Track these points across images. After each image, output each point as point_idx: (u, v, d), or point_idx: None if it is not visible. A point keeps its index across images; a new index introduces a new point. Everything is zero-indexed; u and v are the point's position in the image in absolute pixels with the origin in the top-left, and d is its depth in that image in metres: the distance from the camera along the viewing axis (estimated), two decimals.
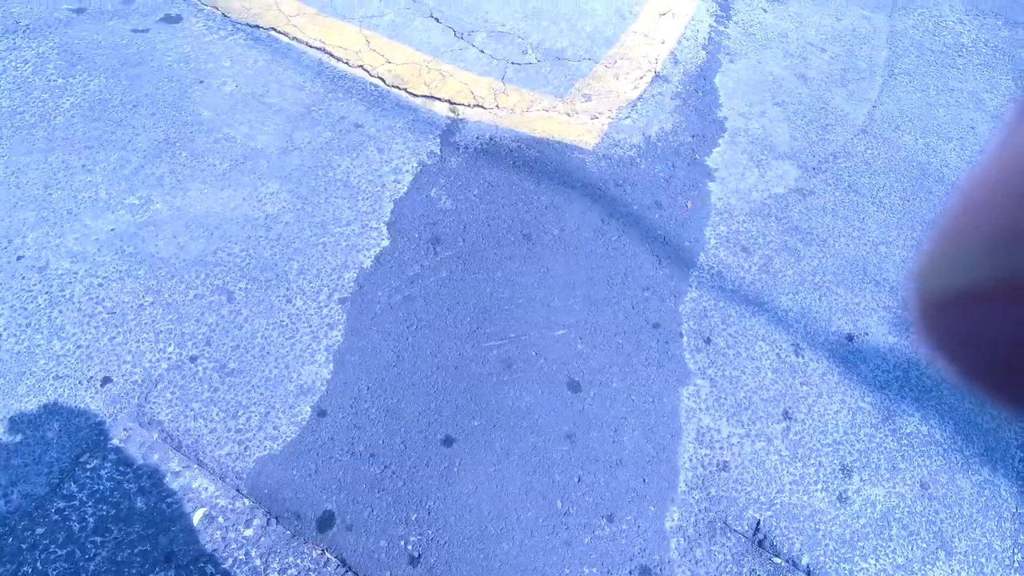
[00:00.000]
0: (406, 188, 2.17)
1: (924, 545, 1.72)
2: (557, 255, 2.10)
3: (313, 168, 2.15)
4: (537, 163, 2.34)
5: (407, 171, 2.22)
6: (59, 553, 1.28)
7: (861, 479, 1.81)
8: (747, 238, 2.31)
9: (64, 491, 1.36)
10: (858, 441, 1.89)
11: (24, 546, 1.28)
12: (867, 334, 2.14)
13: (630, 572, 1.50)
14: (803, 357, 2.04)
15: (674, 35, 3.03)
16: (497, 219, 2.15)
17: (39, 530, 1.30)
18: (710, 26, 3.13)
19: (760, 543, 1.63)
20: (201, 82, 2.30)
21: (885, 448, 1.89)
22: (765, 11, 3.26)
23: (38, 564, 1.26)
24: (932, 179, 2.64)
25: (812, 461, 1.81)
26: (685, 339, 2.00)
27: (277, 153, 2.16)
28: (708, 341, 2.01)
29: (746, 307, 2.12)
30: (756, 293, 2.17)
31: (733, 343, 2.02)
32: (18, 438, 1.41)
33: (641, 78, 2.77)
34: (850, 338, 2.12)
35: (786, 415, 1.90)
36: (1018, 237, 0.12)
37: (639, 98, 2.69)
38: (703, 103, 2.75)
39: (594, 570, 1.49)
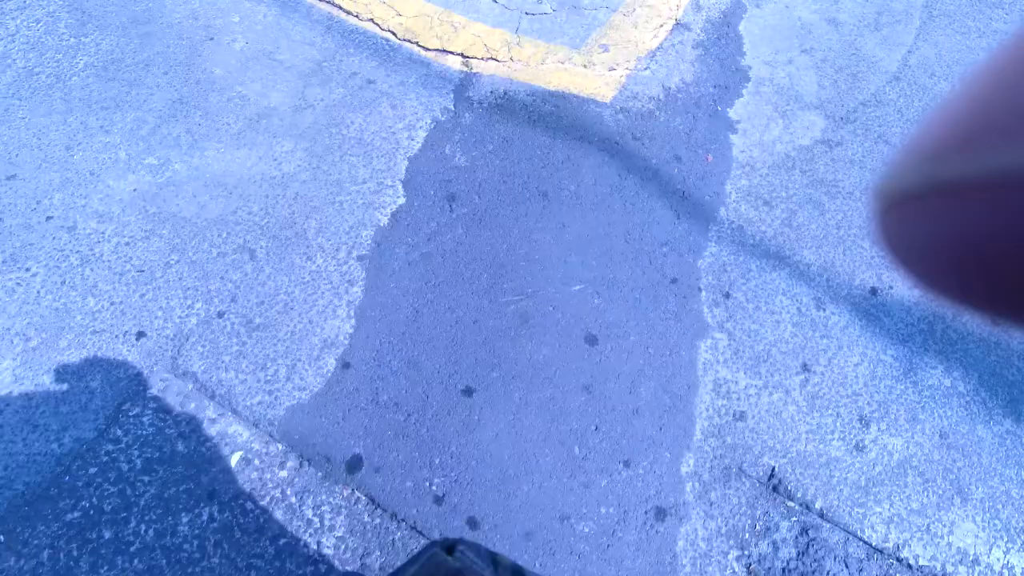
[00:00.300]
0: (420, 145, 2.29)
1: (940, 492, 1.86)
2: (574, 211, 2.22)
3: (327, 126, 2.28)
4: (553, 117, 2.45)
5: (421, 128, 2.34)
6: (112, 490, 1.47)
7: (879, 429, 1.95)
8: (769, 191, 2.41)
9: (111, 435, 1.55)
10: (878, 393, 2.01)
11: (80, 484, 1.48)
12: (892, 288, 2.25)
13: (646, 512, 1.67)
14: (824, 311, 2.16)
15: None
16: (513, 176, 2.27)
17: (92, 470, 1.50)
18: None
19: (775, 488, 1.78)
20: (211, 39, 2.43)
21: (905, 399, 2.01)
22: None
23: (94, 499, 1.46)
24: None
25: (830, 412, 1.95)
26: (703, 294, 2.12)
27: (290, 111, 2.29)
28: (727, 296, 2.13)
29: (767, 261, 2.24)
30: (778, 247, 2.28)
31: (752, 297, 2.15)
32: (64, 387, 1.59)
33: (661, 26, 2.83)
34: (874, 292, 2.23)
35: (805, 367, 2.03)
36: (990, 135, 0.12)
37: (659, 48, 2.76)
38: (726, 52, 2.81)
39: (611, 510, 1.66)
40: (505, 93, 2.50)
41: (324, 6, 2.63)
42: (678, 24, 2.87)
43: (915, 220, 0.15)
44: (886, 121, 2.68)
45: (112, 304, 1.76)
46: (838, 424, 1.93)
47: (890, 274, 2.28)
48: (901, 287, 2.26)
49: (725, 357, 2.00)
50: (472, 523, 1.57)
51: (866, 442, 1.92)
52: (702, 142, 2.50)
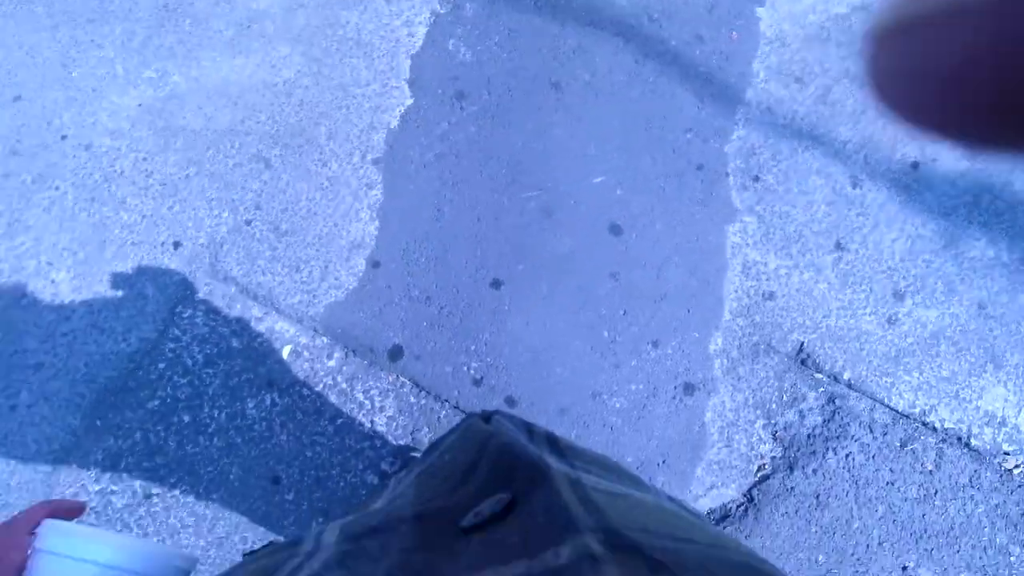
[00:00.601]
0: (421, 42, 2.95)
1: (972, 359, 2.58)
2: (589, 103, 2.89)
3: (321, 27, 2.94)
4: (561, 0, 3.09)
5: (420, 23, 2.99)
6: (182, 382, 2.23)
7: (914, 302, 2.66)
8: (802, 67, 3.06)
9: (170, 335, 2.29)
10: (915, 267, 2.71)
11: (153, 377, 2.23)
12: (936, 160, 2.92)
13: (675, 388, 2.41)
14: (861, 188, 2.84)
15: None
16: (522, 69, 2.93)
17: (161, 365, 2.25)
18: None
19: (803, 362, 2.52)
20: None
21: (943, 272, 2.71)
22: None
23: (168, 390, 2.22)
24: None
25: (863, 287, 2.66)
26: (731, 178, 2.81)
27: (281, 12, 2.95)
28: (756, 179, 2.82)
29: (799, 142, 2.91)
30: (811, 126, 2.95)
31: (784, 179, 2.83)
32: (120, 294, 2.33)
33: None
34: (916, 166, 2.91)
35: (838, 246, 2.73)
36: None
37: None
38: None
39: (641, 387, 2.40)
40: None
41: None
42: None
43: (903, 55, 0.20)
44: None
45: (144, 217, 2.48)
46: (871, 299, 2.65)
47: (935, 146, 2.95)
48: (947, 159, 2.93)
49: (755, 240, 2.70)
50: (510, 401, 2.32)
51: (899, 315, 2.63)
52: (726, 18, 3.13)
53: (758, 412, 2.42)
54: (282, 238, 2.49)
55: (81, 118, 2.63)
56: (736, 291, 2.59)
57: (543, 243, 2.59)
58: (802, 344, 2.53)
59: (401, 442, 2.22)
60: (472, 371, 2.35)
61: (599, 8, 3.08)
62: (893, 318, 2.61)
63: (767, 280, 2.62)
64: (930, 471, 2.39)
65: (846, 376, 2.50)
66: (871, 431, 2.42)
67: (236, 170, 2.60)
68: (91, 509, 2.06)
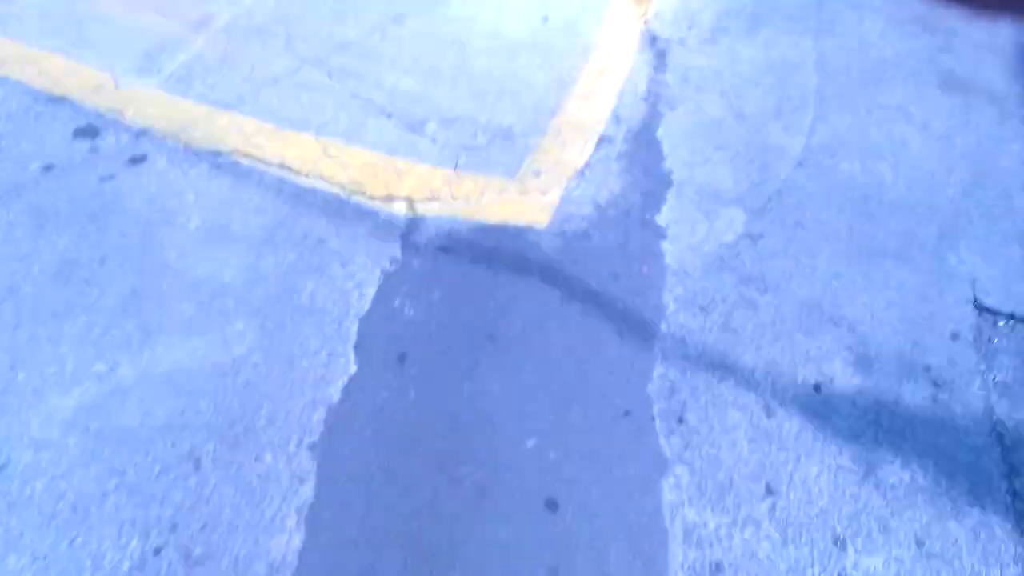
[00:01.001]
0: (370, 303, 1.75)
1: None
2: (522, 352, 1.68)
3: (279, 297, 1.74)
4: (495, 253, 1.91)
5: (370, 283, 1.80)
6: None
7: (856, 550, 1.40)
8: (704, 296, 1.87)
9: None
10: (845, 504, 1.47)
11: None
12: (832, 380, 1.71)
13: None
14: (775, 418, 1.62)
15: (614, 92, 2.54)
16: (460, 322, 1.73)
17: None
18: (648, 77, 2.62)
19: None
20: (167, 222, 1.89)
21: (872, 507, 1.47)
22: (699, 53, 2.74)
23: None
24: (873, 202, 2.16)
25: (804, 540, 1.41)
26: (657, 422, 1.58)
27: (243, 286, 1.75)
28: (681, 420, 1.59)
29: (712, 373, 1.70)
30: (720, 355, 1.74)
31: (705, 416, 1.60)
32: None
33: (586, 143, 2.30)
34: (817, 388, 1.69)
35: (769, 490, 1.48)
36: None
37: (586, 165, 2.22)
38: (648, 158, 2.28)
39: None
40: (449, 233, 1.96)
41: (275, 170, 2.09)
42: (602, 139, 2.33)
43: None
44: (800, 206, 2.14)
45: (35, 560, 1.21)
46: (815, 554, 1.39)
47: (828, 365, 1.74)
48: (841, 378, 1.71)
49: (689, 494, 1.45)
50: None
51: (847, 569, 1.37)
52: (636, 254, 1.96)
53: None
54: (192, 569, 1.21)
55: (9, 430, 1.39)
56: (682, 566, 1.34)
57: (479, 534, 1.33)
58: None
59: None
60: None
61: (527, 256, 1.92)
62: (843, 574, 1.34)
63: (710, 547, 1.36)
64: None
65: None
66: None
67: (161, 477, 1.34)
68: None
